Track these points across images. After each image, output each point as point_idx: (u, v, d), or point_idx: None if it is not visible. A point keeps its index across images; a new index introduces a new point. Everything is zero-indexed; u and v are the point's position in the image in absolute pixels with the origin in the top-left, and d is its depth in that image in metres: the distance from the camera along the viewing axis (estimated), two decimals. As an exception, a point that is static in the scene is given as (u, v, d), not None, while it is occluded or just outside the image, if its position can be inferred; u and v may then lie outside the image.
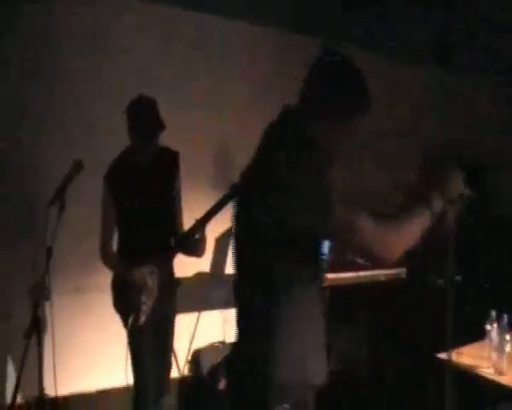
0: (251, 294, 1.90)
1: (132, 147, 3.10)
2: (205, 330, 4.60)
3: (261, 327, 1.87)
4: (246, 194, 1.95)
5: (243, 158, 2.01)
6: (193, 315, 4.48)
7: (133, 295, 2.92)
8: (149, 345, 3.12)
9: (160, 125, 3.01)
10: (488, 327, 3.13)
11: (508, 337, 2.98)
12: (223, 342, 4.82)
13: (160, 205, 3.16)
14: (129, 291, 2.94)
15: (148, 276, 2.90)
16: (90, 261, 3.71)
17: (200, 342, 4.63)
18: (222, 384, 4.28)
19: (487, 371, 2.99)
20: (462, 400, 2.58)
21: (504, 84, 5.81)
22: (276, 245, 1.80)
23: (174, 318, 3.38)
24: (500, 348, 2.97)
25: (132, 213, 3.08)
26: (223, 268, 4.62)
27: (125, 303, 3.00)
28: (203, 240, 3.00)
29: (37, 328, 2.83)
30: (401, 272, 4.65)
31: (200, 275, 4.45)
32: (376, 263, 1.84)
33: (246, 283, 1.95)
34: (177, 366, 4.25)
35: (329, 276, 3.92)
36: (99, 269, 3.16)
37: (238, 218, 1.98)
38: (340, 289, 4.03)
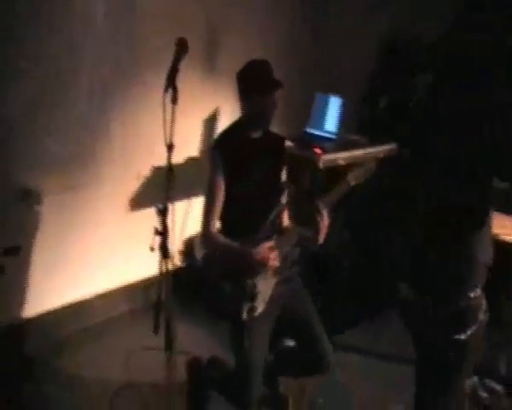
0: None
1: (245, 117, 2.77)
2: (196, 217, 4.46)
3: None
4: None
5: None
6: (183, 202, 4.33)
7: (247, 279, 2.59)
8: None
9: (277, 83, 2.68)
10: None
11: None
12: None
13: (272, 183, 2.82)
14: (242, 275, 2.60)
15: (269, 254, 2.59)
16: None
17: (192, 230, 4.51)
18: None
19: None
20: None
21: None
22: None
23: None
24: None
25: (244, 188, 2.71)
26: None
27: (234, 290, 2.62)
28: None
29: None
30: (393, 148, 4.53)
31: (191, 160, 4.24)
32: None
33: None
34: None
35: (326, 157, 3.81)
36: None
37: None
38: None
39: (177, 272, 4.26)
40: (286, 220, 2.85)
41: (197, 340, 3.69)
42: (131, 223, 4.01)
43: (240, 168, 2.68)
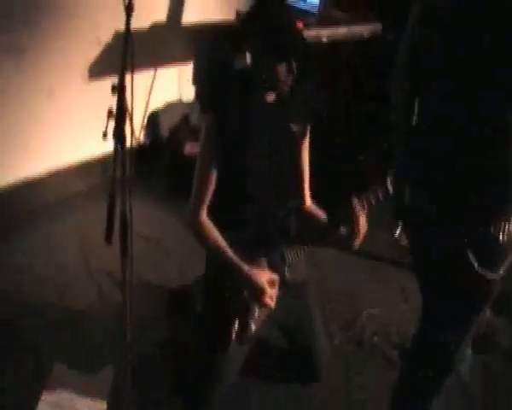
0: None
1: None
2: (160, 89, 4.13)
3: None
4: None
5: None
6: (147, 73, 3.96)
7: (241, 297, 2.02)
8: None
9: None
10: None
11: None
12: (180, 101, 4.42)
13: (286, 164, 2.14)
14: (235, 291, 2.02)
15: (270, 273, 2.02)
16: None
17: (156, 102, 4.18)
18: (188, 147, 3.95)
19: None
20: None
21: None
22: None
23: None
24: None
25: (247, 167, 2.06)
26: (180, 17, 4.06)
27: (222, 306, 2.04)
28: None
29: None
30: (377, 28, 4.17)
31: (155, 26, 3.83)
32: None
33: None
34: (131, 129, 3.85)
35: (309, 33, 3.43)
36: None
37: None
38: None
39: (140, 149, 4.04)
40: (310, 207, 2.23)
41: (156, 221, 3.49)
42: (90, 92, 3.64)
43: (243, 140, 2.03)
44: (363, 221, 2.00)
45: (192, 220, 2.04)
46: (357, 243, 2.04)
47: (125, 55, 1.80)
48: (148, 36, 3.77)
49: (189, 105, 4.42)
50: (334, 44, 3.52)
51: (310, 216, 2.17)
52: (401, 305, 3.01)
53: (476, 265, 1.62)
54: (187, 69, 4.40)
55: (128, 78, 1.87)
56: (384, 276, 3.24)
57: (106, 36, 3.59)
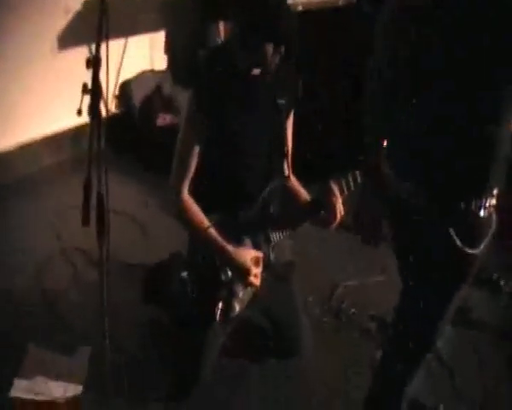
0: None
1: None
2: (132, 59, 4.03)
3: None
4: None
5: None
6: (119, 42, 3.87)
7: (225, 278, 1.99)
8: None
9: None
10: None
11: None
12: (152, 71, 4.33)
13: (271, 141, 2.09)
14: (219, 272, 1.99)
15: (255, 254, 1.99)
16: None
17: (128, 72, 4.08)
18: (161, 119, 3.87)
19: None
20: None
21: None
22: None
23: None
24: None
25: (230, 145, 2.01)
26: None
27: (206, 287, 2.01)
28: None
29: None
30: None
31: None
32: None
33: None
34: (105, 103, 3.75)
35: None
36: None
37: None
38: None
39: (111, 120, 3.94)
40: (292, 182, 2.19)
41: (131, 197, 3.42)
42: (59, 63, 3.54)
43: (227, 115, 1.97)
44: (339, 206, 1.98)
45: (174, 198, 1.97)
46: (334, 225, 2.03)
47: (100, 29, 1.72)
48: (119, 4, 3.66)
49: (161, 74, 4.33)
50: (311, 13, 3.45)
51: (293, 193, 2.14)
52: (378, 277, 3.03)
53: (458, 241, 1.63)
54: (159, 38, 4.31)
55: (103, 51, 1.79)
56: (361, 247, 3.25)
57: (74, 4, 3.49)
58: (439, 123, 1.54)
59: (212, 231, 1.93)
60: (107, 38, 1.74)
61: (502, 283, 2.99)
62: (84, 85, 1.79)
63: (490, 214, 1.62)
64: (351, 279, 2.99)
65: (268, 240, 2.06)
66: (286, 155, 2.09)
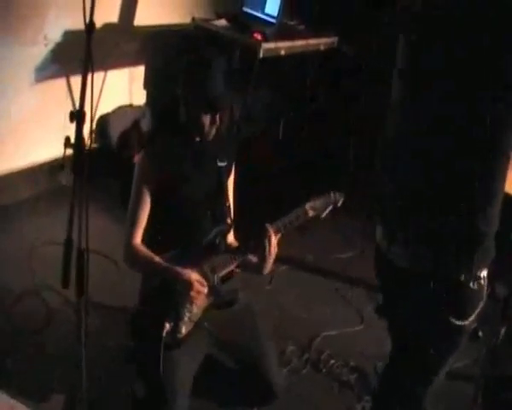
0: None
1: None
2: (110, 92, 3.98)
3: None
4: None
5: None
6: (97, 75, 3.81)
7: (177, 300, 2.10)
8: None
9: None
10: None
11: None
12: (130, 105, 4.28)
13: (213, 196, 2.28)
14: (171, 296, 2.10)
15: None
16: None
17: (106, 107, 4.03)
18: (138, 157, 3.80)
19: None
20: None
21: None
22: None
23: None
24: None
25: (177, 199, 2.19)
26: (132, 19, 3.95)
27: (154, 310, 2.13)
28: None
29: None
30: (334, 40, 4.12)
31: (107, 27, 3.69)
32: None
33: None
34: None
35: (267, 46, 3.35)
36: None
37: None
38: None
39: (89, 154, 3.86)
40: (231, 239, 2.36)
41: (106, 235, 3.33)
42: (37, 95, 3.47)
43: (175, 174, 2.16)
44: (273, 248, 2.10)
45: (125, 247, 2.13)
46: (266, 268, 2.16)
47: (84, 81, 1.65)
48: (99, 37, 3.61)
49: (140, 109, 4.28)
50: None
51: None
52: (357, 326, 3.01)
53: (446, 311, 1.60)
54: (139, 72, 4.27)
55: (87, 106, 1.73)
56: (341, 296, 3.23)
57: (53, 34, 3.44)
58: (458, 140, 1.52)
59: (162, 262, 2.09)
60: (92, 96, 1.68)
61: (480, 333, 3.01)
62: (67, 139, 1.72)
63: (481, 287, 1.60)
64: (330, 329, 2.96)
65: (213, 271, 2.16)
66: (228, 208, 2.29)
